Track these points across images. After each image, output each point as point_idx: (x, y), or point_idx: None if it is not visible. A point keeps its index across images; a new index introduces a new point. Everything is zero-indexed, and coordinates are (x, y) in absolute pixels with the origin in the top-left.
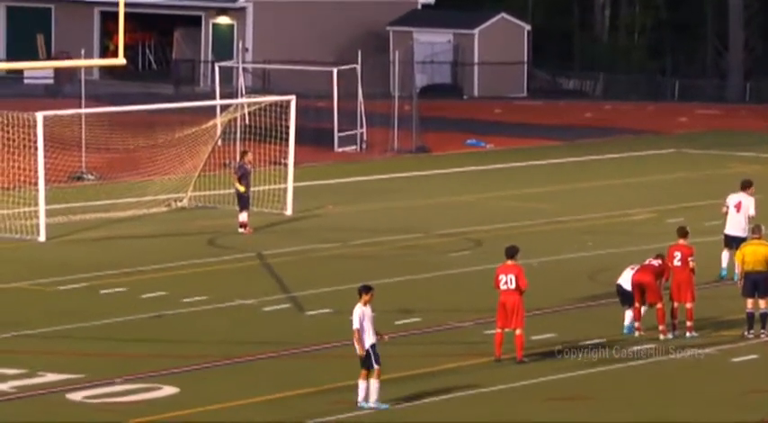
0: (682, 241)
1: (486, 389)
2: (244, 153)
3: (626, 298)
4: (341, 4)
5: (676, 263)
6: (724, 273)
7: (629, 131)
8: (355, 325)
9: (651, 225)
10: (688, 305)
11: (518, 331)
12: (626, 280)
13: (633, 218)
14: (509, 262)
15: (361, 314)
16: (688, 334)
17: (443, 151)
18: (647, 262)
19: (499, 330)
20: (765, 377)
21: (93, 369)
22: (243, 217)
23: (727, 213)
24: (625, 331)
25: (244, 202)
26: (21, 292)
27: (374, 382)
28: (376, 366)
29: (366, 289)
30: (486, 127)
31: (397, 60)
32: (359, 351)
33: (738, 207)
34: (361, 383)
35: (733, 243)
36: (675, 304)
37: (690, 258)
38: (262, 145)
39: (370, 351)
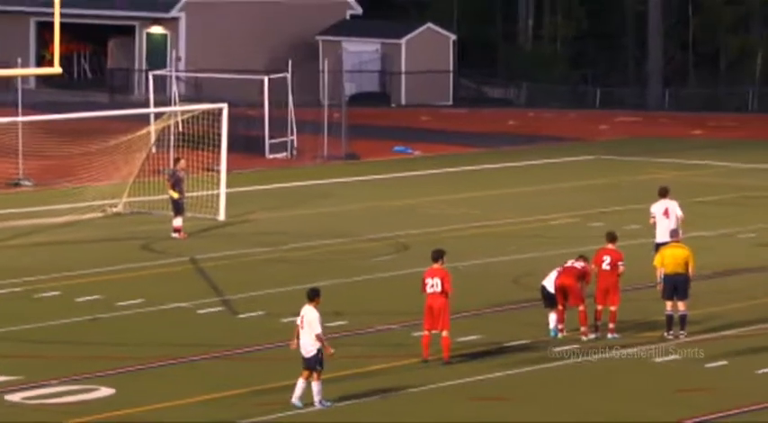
0: (610, 246)
1: (414, 390)
2: (177, 160)
3: (550, 300)
4: (272, 15)
5: (605, 267)
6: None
7: (552, 139)
8: (319, 329)
9: (574, 229)
10: (612, 308)
11: (444, 333)
12: (550, 282)
13: (556, 222)
14: (435, 265)
15: (319, 317)
16: (610, 335)
17: (372, 158)
18: (568, 264)
19: (426, 332)
20: (687, 376)
21: (29, 371)
22: (177, 222)
23: (655, 223)
24: (551, 334)
25: (178, 207)
26: None
27: (317, 384)
28: (319, 369)
29: (317, 293)
30: (413, 134)
31: (326, 69)
32: (329, 352)
33: (667, 213)
34: (301, 382)
35: None
36: (600, 307)
37: (620, 263)
38: (195, 152)
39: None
